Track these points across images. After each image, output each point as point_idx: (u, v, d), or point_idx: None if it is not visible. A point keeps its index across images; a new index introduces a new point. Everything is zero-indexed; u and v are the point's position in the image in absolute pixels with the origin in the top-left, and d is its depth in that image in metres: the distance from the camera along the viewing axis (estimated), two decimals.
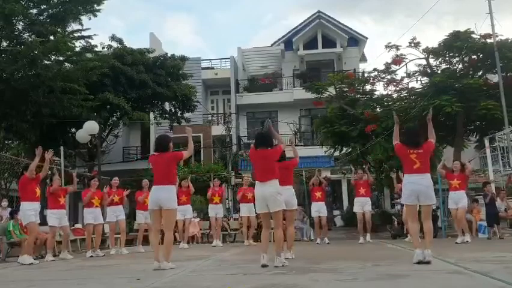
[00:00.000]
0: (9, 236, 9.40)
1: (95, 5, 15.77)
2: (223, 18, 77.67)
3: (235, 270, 5.71)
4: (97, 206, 9.75)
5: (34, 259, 8.30)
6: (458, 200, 9.68)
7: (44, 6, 15.12)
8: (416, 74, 16.09)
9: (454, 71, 15.11)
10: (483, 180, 13.78)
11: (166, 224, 6.18)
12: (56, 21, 15.24)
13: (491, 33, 14.12)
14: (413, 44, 15.46)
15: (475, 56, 14.85)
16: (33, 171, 7.93)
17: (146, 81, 17.99)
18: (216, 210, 11.54)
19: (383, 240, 12.10)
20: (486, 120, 14.11)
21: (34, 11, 15.02)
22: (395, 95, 16.71)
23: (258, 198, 6.05)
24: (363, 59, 27.90)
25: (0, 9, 13.35)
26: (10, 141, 19.29)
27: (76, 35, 16.22)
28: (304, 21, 26.02)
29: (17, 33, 14.72)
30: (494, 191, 11.59)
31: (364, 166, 13.38)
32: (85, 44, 16.85)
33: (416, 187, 5.85)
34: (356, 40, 26.06)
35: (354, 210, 11.42)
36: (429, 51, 15.31)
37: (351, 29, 25.98)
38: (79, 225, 12.63)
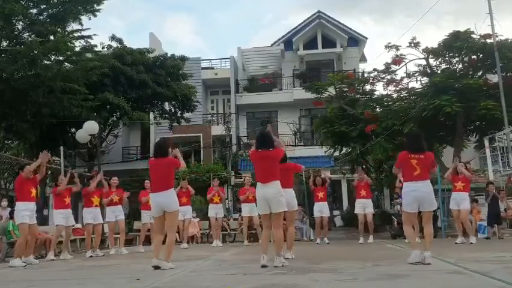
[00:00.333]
0: (9, 236, 9.40)
1: (95, 5, 15.78)
2: (223, 18, 77.73)
3: (235, 270, 5.71)
4: (96, 206, 9.77)
5: (34, 259, 8.31)
6: (461, 201, 9.68)
7: (44, 6, 15.12)
8: (416, 74, 16.07)
9: (454, 71, 15.10)
10: (483, 180, 13.79)
11: (169, 225, 6.24)
12: (56, 21, 15.24)
13: (491, 33, 14.13)
14: (413, 44, 15.45)
15: (474, 56, 14.85)
16: (30, 172, 7.92)
17: (146, 81, 17.99)
18: (216, 210, 11.55)
19: (383, 240, 12.11)
20: (486, 120, 14.10)
21: (34, 10, 15.02)
22: (394, 95, 16.70)
23: (260, 199, 6.04)
24: (363, 59, 27.90)
25: (0, 9, 13.35)
26: (10, 141, 19.31)
27: (75, 35, 16.22)
28: (304, 21, 26.02)
29: (16, 33, 14.73)
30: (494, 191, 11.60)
31: (364, 166, 13.38)
32: (84, 44, 16.88)
33: (418, 194, 5.84)
34: (355, 40, 26.06)
35: (356, 212, 11.39)
36: (429, 51, 15.30)
37: (351, 29, 25.97)
38: (78, 225, 12.63)
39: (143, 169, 17.43)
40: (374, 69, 16.78)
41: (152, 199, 6.27)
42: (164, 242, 6.28)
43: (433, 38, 67.79)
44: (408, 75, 16.04)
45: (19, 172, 8.16)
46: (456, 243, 9.55)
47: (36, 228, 8.48)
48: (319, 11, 25.88)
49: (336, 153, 17.93)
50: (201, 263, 7.00)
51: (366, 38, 26.35)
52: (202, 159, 21.87)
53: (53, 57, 15.04)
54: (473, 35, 14.45)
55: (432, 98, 13.64)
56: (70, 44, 15.11)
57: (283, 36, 26.37)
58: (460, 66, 15.39)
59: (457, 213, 9.83)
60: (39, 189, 15.34)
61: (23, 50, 13.68)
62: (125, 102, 17.15)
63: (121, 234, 10.30)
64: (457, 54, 15.07)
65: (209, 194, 11.69)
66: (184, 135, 21.82)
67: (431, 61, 15.63)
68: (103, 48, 18.64)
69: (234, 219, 15.36)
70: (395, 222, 12.76)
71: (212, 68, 26.84)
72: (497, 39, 14.03)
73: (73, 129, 16.50)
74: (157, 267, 5.87)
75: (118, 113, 17.96)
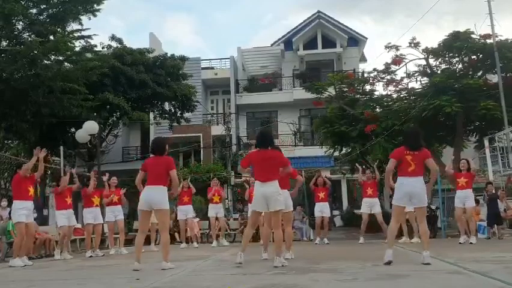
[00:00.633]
0: (9, 236, 9.41)
1: (95, 5, 15.77)
2: (223, 18, 77.75)
3: (235, 270, 5.71)
4: (96, 206, 9.77)
5: (34, 258, 8.31)
6: (465, 199, 9.67)
7: (44, 6, 15.11)
8: (416, 74, 16.06)
9: (454, 71, 15.09)
10: (482, 181, 13.78)
11: (161, 226, 6.31)
12: (56, 21, 15.24)
13: (491, 33, 14.13)
14: (412, 44, 15.44)
15: (474, 56, 14.84)
16: (28, 170, 7.91)
17: (146, 81, 17.99)
18: (216, 210, 11.54)
19: (383, 240, 12.09)
20: (486, 120, 14.09)
21: (34, 10, 15.01)
22: (394, 95, 16.69)
23: (258, 197, 6.10)
24: (363, 59, 27.90)
25: (0, 9, 13.34)
26: (10, 141, 19.31)
27: (75, 34, 16.21)
28: (304, 21, 26.01)
29: (16, 33, 14.72)
30: (494, 191, 11.59)
31: (364, 166, 13.36)
32: (84, 43, 16.86)
33: (410, 189, 5.87)
34: (355, 40, 26.05)
35: (361, 211, 11.29)
36: (429, 52, 15.29)
37: (351, 29, 25.96)
38: (78, 225, 12.63)
39: None
40: (374, 69, 16.78)
41: (143, 192, 6.21)
42: (148, 243, 6.34)
43: (433, 38, 67.88)
44: (408, 76, 16.03)
45: (17, 171, 8.15)
46: (460, 243, 9.50)
47: (33, 227, 8.47)
48: (319, 11, 25.87)
49: (336, 153, 17.93)
50: (200, 263, 7.00)
51: (366, 38, 26.36)
52: (202, 159, 21.86)
53: (53, 57, 15.04)
54: (473, 35, 14.44)
55: (432, 98, 13.63)
56: (69, 44, 15.10)
57: (283, 36, 26.36)
58: (460, 66, 15.38)
59: (460, 211, 9.79)
60: (38, 189, 15.41)
61: (23, 50, 13.68)
62: (125, 102, 17.15)
63: (121, 234, 10.29)
64: (456, 55, 15.07)
65: (209, 193, 11.69)
66: (184, 135, 21.82)
67: (431, 61, 15.62)
68: (103, 48, 18.65)
69: (234, 219, 15.35)
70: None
71: (212, 68, 26.83)
72: (497, 39, 14.03)
73: (73, 129, 16.49)
74: (136, 270, 5.81)
75: (118, 113, 17.96)
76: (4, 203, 11.07)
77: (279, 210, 6.04)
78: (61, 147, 13.46)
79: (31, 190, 8.10)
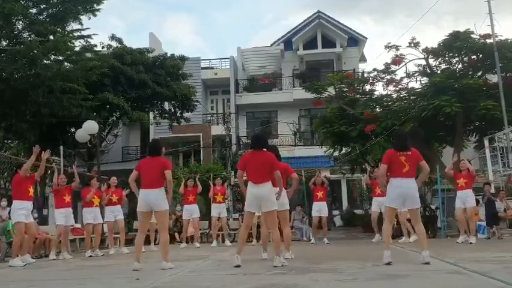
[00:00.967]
0: (9, 236, 9.38)
1: (95, 5, 15.77)
2: (223, 18, 77.76)
3: (235, 270, 5.71)
4: (96, 206, 9.78)
5: (33, 258, 8.30)
6: (466, 199, 9.69)
7: (44, 6, 15.12)
8: (416, 74, 16.04)
9: (454, 71, 15.08)
10: (482, 181, 13.77)
11: (160, 226, 6.38)
12: (56, 21, 15.23)
13: (490, 33, 14.11)
14: (412, 44, 15.42)
15: (474, 56, 14.83)
16: (28, 170, 7.91)
17: (146, 81, 17.98)
18: (219, 210, 11.51)
19: (383, 240, 12.08)
20: (485, 120, 14.08)
21: (34, 10, 15.01)
22: (394, 95, 16.67)
23: (251, 198, 6.14)
24: (363, 59, 27.91)
25: (0, 9, 13.33)
26: (10, 141, 19.29)
27: (75, 34, 16.22)
28: (304, 21, 26.02)
29: (16, 32, 14.71)
30: (492, 191, 11.59)
31: (363, 166, 13.36)
32: (84, 43, 16.88)
33: (404, 191, 5.90)
34: (355, 40, 26.06)
35: (372, 210, 11.32)
36: (429, 52, 15.28)
37: (350, 29, 25.98)
38: (78, 225, 12.63)
39: None
40: (374, 69, 16.76)
41: (141, 195, 6.24)
42: (148, 243, 6.38)
43: (433, 38, 67.90)
44: (408, 75, 16.01)
45: (17, 170, 8.15)
46: (457, 242, 9.53)
47: (33, 227, 8.47)
48: (319, 11, 25.89)
49: (336, 153, 17.93)
50: (200, 263, 7.00)
51: (366, 38, 26.38)
52: (201, 159, 21.86)
53: (53, 57, 15.03)
54: (473, 35, 14.43)
55: (432, 98, 13.62)
56: (69, 44, 15.09)
57: (283, 36, 26.37)
58: (460, 66, 15.37)
59: (460, 212, 9.81)
60: (38, 189, 15.40)
61: (22, 49, 13.67)
62: (125, 102, 17.14)
63: (121, 233, 10.29)
64: (456, 55, 15.05)
65: (211, 192, 11.64)
66: (183, 135, 21.82)
67: (431, 61, 15.61)
68: (102, 48, 18.65)
69: (234, 219, 15.34)
70: (395, 222, 12.75)
71: (212, 68, 26.83)
72: (497, 39, 14.02)
73: (73, 129, 16.48)
74: (136, 270, 5.83)
75: (118, 113, 17.96)
76: (4, 203, 11.06)
77: (273, 210, 6.08)
78: (61, 147, 13.43)
79: (31, 190, 8.10)
